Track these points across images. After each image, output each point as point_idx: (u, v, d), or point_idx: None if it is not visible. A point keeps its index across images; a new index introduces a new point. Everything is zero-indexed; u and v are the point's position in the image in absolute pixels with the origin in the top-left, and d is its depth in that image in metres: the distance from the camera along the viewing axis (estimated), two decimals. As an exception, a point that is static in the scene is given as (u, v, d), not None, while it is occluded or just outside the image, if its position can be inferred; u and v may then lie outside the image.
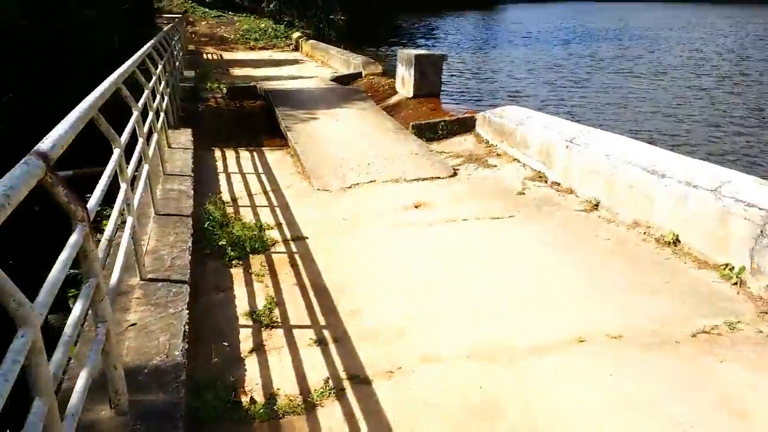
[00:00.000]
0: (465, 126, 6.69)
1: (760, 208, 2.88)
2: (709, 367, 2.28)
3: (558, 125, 5.17)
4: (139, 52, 4.33)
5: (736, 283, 2.90)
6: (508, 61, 17.96)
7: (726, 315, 2.64)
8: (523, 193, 4.67)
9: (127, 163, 2.73)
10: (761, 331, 2.47)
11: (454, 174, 5.23)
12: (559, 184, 4.76)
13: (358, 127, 6.86)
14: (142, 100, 3.86)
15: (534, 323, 2.69)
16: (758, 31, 29.59)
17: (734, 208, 3.03)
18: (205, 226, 3.69)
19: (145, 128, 3.64)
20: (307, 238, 3.80)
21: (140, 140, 3.41)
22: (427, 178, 5.09)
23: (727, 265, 3.02)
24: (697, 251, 3.27)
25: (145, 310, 2.45)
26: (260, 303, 2.93)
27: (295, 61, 14.28)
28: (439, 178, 5.12)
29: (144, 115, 3.98)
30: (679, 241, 3.40)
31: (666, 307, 2.78)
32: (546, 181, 4.90)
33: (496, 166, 5.48)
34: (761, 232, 2.81)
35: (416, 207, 4.44)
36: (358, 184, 4.97)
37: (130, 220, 2.61)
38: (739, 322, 2.56)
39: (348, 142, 6.13)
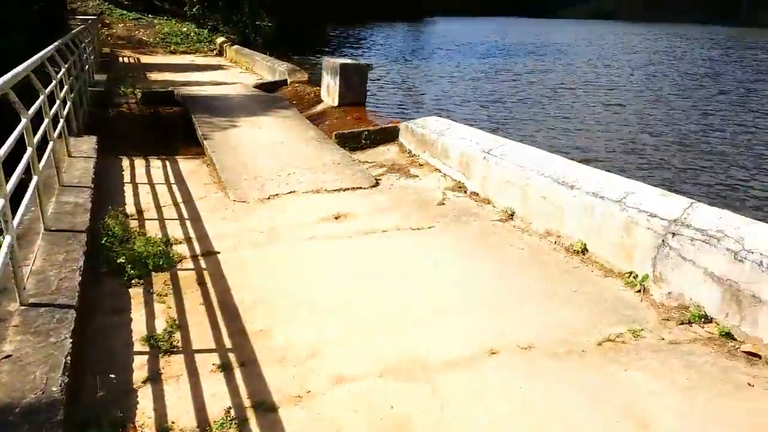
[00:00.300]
0: (389, 136, 6.68)
1: (661, 218, 3.00)
2: (614, 376, 2.33)
3: (476, 136, 5.25)
4: (38, 55, 3.99)
5: (639, 291, 3.00)
6: (433, 73, 18.30)
7: (630, 323, 2.72)
8: (443, 204, 4.69)
9: (10, 174, 2.47)
10: (663, 338, 2.56)
11: (377, 184, 5.18)
12: (477, 195, 4.82)
13: (281, 135, 6.69)
14: (35, 106, 3.55)
15: (449, 336, 2.66)
16: (668, 47, 31.86)
17: (638, 218, 3.14)
18: (103, 242, 3.42)
19: (37, 136, 3.34)
20: (218, 253, 3.61)
21: (29, 150, 3.11)
22: (348, 189, 5.01)
23: (631, 273, 3.13)
24: (603, 260, 3.37)
25: (23, 340, 2.20)
26: (160, 326, 2.72)
27: (218, 67, 13.87)
28: (361, 188, 5.05)
29: (40, 121, 3.67)
30: (587, 250, 3.50)
31: (574, 315, 2.83)
32: (465, 192, 4.94)
33: (417, 176, 5.49)
34: (663, 241, 2.92)
35: (336, 218, 4.35)
36: (277, 194, 4.81)
37: (7, 239, 2.35)
38: (642, 329, 2.64)
39: (269, 152, 5.95)
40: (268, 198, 4.74)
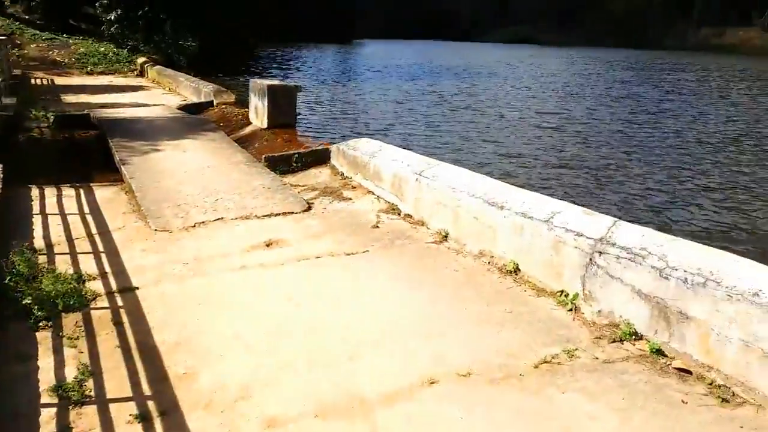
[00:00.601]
0: (320, 158, 6.58)
1: (587, 237, 3.07)
2: (552, 400, 2.31)
3: (408, 158, 5.25)
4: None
5: (571, 310, 3.05)
6: (363, 94, 18.46)
7: (564, 342, 2.74)
8: (378, 227, 4.63)
9: None
10: (597, 358, 2.59)
11: (309, 208, 5.05)
12: (411, 217, 4.80)
13: (207, 159, 6.44)
14: None
15: (387, 367, 2.58)
16: (584, 70, 33.79)
17: (565, 237, 3.20)
18: (7, 281, 3.09)
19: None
20: (137, 288, 3.35)
21: None
22: (280, 214, 4.85)
23: (562, 291, 3.18)
24: (535, 279, 3.41)
25: None
26: (71, 374, 2.47)
27: (139, 88, 13.31)
28: (292, 213, 4.91)
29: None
30: (520, 270, 3.53)
31: (510, 337, 2.82)
32: (399, 214, 4.91)
33: (351, 199, 5.41)
34: (590, 260, 2.98)
35: (268, 245, 4.18)
36: (203, 222, 4.58)
37: None
38: (576, 349, 2.66)
39: (194, 177, 5.70)
40: (194, 226, 4.50)
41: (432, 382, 2.45)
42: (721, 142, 11.65)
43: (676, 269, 2.51)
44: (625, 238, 2.90)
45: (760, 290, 2.14)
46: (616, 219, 3.15)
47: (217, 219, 4.66)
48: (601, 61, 44.32)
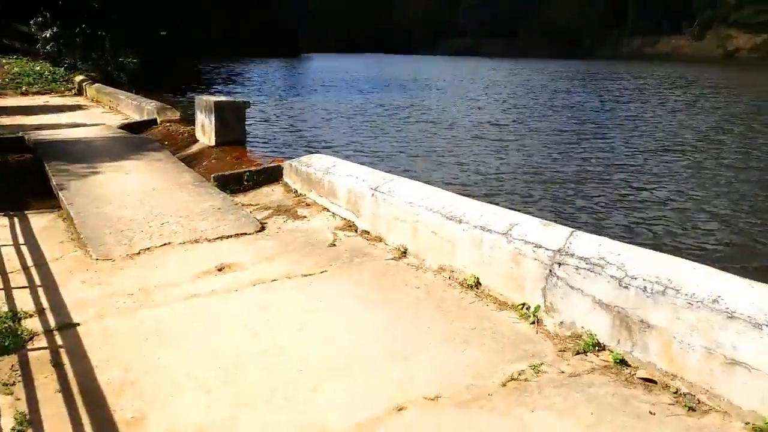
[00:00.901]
0: (272, 175, 6.42)
1: (546, 249, 3.06)
2: (523, 420, 2.26)
3: (363, 173, 5.17)
4: None
5: (534, 323, 3.02)
6: (314, 109, 18.35)
7: (530, 357, 2.71)
8: (335, 245, 4.52)
9: None
10: (563, 372, 2.56)
11: (262, 228, 4.89)
12: (368, 233, 4.71)
13: (151, 181, 6.17)
14: None
15: (352, 396, 2.47)
16: (528, 80, 34.78)
17: (524, 249, 3.19)
18: (-72, 325, 2.81)
19: None
20: (79, 325, 3.12)
21: None
22: (232, 236, 4.67)
23: (524, 304, 3.16)
24: (497, 293, 3.39)
25: None
26: (7, 425, 2.24)
27: (77, 107, 12.75)
28: (245, 234, 4.73)
29: None
30: (481, 284, 3.50)
31: (476, 356, 2.77)
32: (356, 231, 4.82)
33: (306, 217, 5.28)
34: (550, 271, 2.97)
35: (220, 270, 4.00)
36: (149, 248, 4.35)
37: None
38: (542, 363, 2.63)
39: (138, 200, 5.43)
40: (138, 253, 4.27)
41: (400, 409, 2.35)
42: (667, 149, 12.11)
43: (635, 278, 2.53)
44: (584, 248, 2.91)
45: (719, 297, 2.17)
46: (573, 229, 3.17)
47: (164, 244, 4.43)
48: (543, 71, 45.82)
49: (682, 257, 2.69)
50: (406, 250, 4.21)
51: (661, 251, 2.90)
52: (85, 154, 7.26)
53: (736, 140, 13.23)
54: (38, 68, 17.62)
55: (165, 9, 19.27)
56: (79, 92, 15.25)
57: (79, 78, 16.07)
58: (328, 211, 5.30)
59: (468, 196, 4.36)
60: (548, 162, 10.52)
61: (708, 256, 5.96)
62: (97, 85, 14.54)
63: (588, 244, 2.94)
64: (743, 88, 29.17)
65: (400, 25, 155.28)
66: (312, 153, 6.68)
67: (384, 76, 38.98)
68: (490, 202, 4.09)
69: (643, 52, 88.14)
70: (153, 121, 9.72)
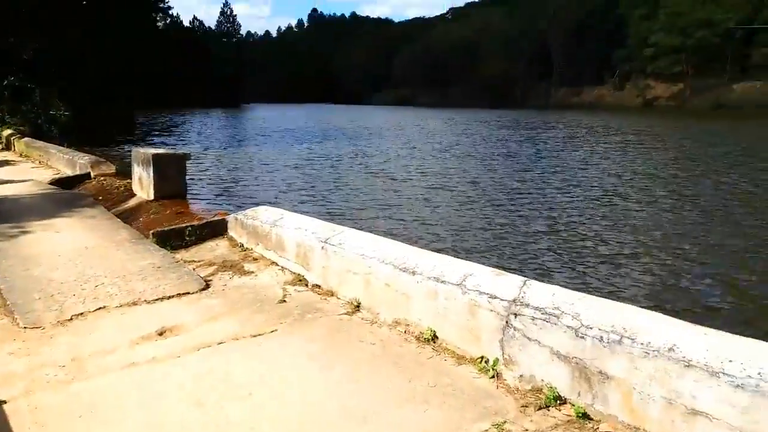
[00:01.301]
0: (216, 229, 6.22)
1: (501, 299, 3.06)
2: (490, 482, 2.18)
3: (312, 225, 5.08)
4: None
5: (493, 377, 2.98)
6: (257, 160, 18.21)
7: (492, 415, 2.65)
8: (285, 301, 4.36)
9: None
10: (526, 429, 2.51)
11: (207, 286, 4.67)
12: (320, 287, 4.59)
13: (84, 239, 5.83)
14: None
15: (309, 468, 2.30)
16: (467, 129, 36.04)
17: (479, 300, 3.17)
18: None
19: None
20: (5, 402, 2.82)
21: None
22: (173, 296, 4.43)
23: (482, 358, 3.11)
24: (454, 346, 3.33)
25: None
26: None
27: (4, 163, 12.09)
28: (188, 293, 4.50)
29: None
30: (437, 337, 3.44)
31: (437, 416, 2.68)
32: (307, 285, 4.69)
33: (253, 272, 5.10)
34: (507, 322, 2.96)
35: (161, 335, 3.75)
36: (82, 314, 4.04)
37: None
38: (505, 422, 2.57)
39: (69, 261, 5.09)
40: (70, 319, 3.96)
41: (361, 480, 2.22)
42: (604, 196, 12.56)
43: (591, 327, 2.54)
44: (538, 297, 2.92)
45: (675, 345, 2.20)
46: (525, 278, 3.19)
47: (99, 308, 4.14)
48: (480, 121, 47.74)
49: (632, 304, 2.75)
50: (359, 304, 4.12)
51: (611, 299, 2.95)
52: (12, 213, 6.80)
53: (670, 184, 13.99)
54: (-39, 123, 16.71)
55: (99, 60, 18.83)
56: (7, 147, 14.51)
57: (6, 132, 15.31)
58: (277, 265, 5.15)
59: (418, 246, 4.34)
60: (494, 210, 10.75)
61: (658, 302, 6.13)
62: (26, 139, 13.88)
63: (542, 293, 2.95)
64: (667, 134, 31.36)
65: (340, 76, 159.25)
66: (257, 206, 6.54)
67: (325, 126, 39.43)
68: (440, 252, 4.08)
69: (569, 101, 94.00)
70: (86, 176, 9.30)
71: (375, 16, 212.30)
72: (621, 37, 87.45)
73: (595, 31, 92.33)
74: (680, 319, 2.47)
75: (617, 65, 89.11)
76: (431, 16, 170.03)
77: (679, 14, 76.61)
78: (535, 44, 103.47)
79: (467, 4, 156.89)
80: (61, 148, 11.82)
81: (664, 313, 2.54)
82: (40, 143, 12.88)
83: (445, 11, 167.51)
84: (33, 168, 11.28)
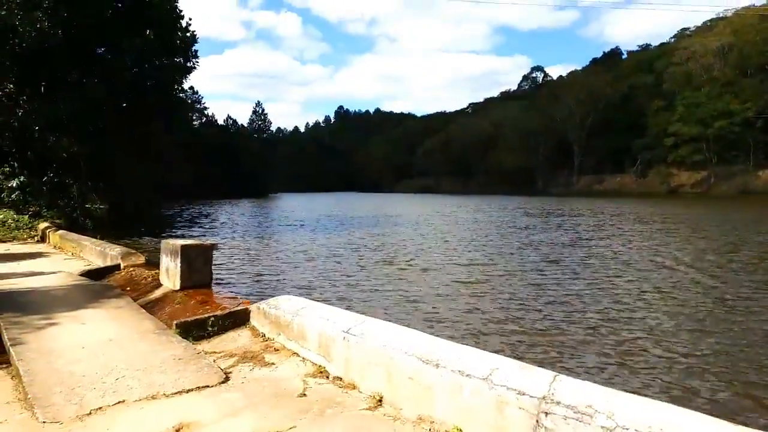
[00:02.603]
0: (239, 319, 6.20)
1: (530, 396, 2.93)
2: None
3: (334, 314, 5.04)
4: None
5: (525, 480, 2.78)
6: (283, 249, 18.40)
7: None
8: (305, 395, 4.24)
9: None
10: None
11: (226, 379, 4.59)
12: (341, 379, 4.47)
13: (109, 331, 5.85)
14: None
15: None
16: (492, 217, 36.13)
17: (507, 396, 3.04)
18: None
19: None
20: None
21: None
22: (193, 389, 4.35)
23: (513, 459, 2.93)
24: (483, 445, 3.15)
25: None
26: None
27: (38, 254, 12.45)
28: (207, 386, 4.42)
29: None
30: (465, 436, 3.27)
31: None
32: (328, 377, 4.57)
33: (274, 363, 5.01)
34: (537, 421, 2.81)
35: (177, 431, 3.65)
36: (100, 408, 3.98)
37: None
38: None
39: (93, 352, 5.10)
40: (89, 414, 3.89)
41: None
42: (640, 286, 12.03)
43: (627, 428, 2.40)
44: (569, 395, 2.79)
45: (718, 447, 2.05)
46: (555, 373, 3.06)
47: (118, 402, 4.08)
48: (505, 207, 47.94)
49: (668, 401, 2.59)
50: (381, 398, 3.98)
51: (644, 396, 2.80)
52: (41, 304, 6.93)
53: (710, 274, 13.49)
54: (1, 216, 17.49)
55: (134, 156, 19.91)
56: (43, 239, 15.04)
57: (43, 225, 15.94)
58: (298, 356, 5.07)
59: (446, 337, 4.24)
60: (522, 302, 10.47)
61: (696, 402, 5.75)
62: (61, 231, 14.39)
63: (573, 389, 2.82)
64: (697, 221, 30.88)
65: (364, 166, 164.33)
66: (281, 295, 6.54)
67: (350, 214, 40.06)
68: (466, 344, 3.96)
69: (592, 188, 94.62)
70: (116, 267, 9.51)
71: (398, 111, 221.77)
72: (640, 127, 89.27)
73: (613, 123, 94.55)
74: (719, 418, 2.31)
75: (638, 154, 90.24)
76: (451, 110, 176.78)
77: (697, 105, 78.36)
78: (554, 135, 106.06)
79: (486, 99, 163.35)
80: (94, 240, 12.20)
81: (701, 411, 2.38)
82: (74, 235, 13.32)
83: (465, 106, 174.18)
84: (65, 260, 11.59)
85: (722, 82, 78.79)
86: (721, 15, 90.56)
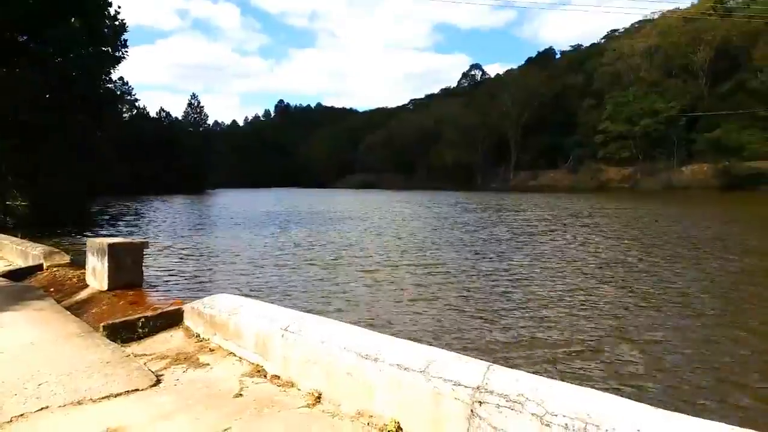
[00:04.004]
0: (172, 320, 5.98)
1: (465, 386, 2.98)
2: None
3: (272, 312, 4.95)
4: None
5: (460, 471, 2.83)
6: (218, 246, 17.92)
7: None
8: (241, 395, 4.14)
9: None
10: None
11: (158, 382, 4.41)
12: (279, 378, 4.40)
13: (31, 334, 5.50)
14: None
15: None
16: (445, 213, 36.60)
17: (443, 388, 3.08)
18: None
19: None
20: None
21: None
22: (121, 393, 4.15)
23: (449, 450, 2.97)
24: (420, 438, 3.18)
25: None
26: None
27: (-50, 254, 11.53)
28: (137, 390, 4.23)
29: None
30: (402, 429, 3.29)
31: None
32: (266, 376, 4.49)
33: (209, 364, 4.87)
34: (472, 411, 2.87)
35: (106, 437, 3.48)
36: (22, 415, 3.74)
37: None
38: None
39: (11, 358, 4.78)
40: (10, 421, 3.65)
41: None
42: (578, 275, 12.57)
43: (556, 415, 2.48)
44: (502, 384, 2.86)
45: (639, 431, 2.16)
46: (489, 363, 3.13)
47: (41, 408, 3.84)
48: (448, 204, 48.69)
49: (596, 389, 2.71)
50: (320, 395, 3.94)
51: (574, 383, 2.91)
52: (-49, 308, 6.42)
53: (645, 265, 14.20)
54: None
55: (60, 150, 18.79)
56: (-45, 237, 13.93)
57: (-44, 222, 14.82)
58: (235, 355, 4.94)
59: (384, 332, 4.25)
60: (462, 293, 10.69)
61: (624, 386, 6.03)
62: (-24, 229, 13.43)
63: (505, 379, 2.89)
64: (623, 213, 32.58)
65: (305, 161, 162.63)
66: (217, 294, 6.36)
67: (290, 210, 39.56)
68: (404, 337, 3.99)
69: (527, 184, 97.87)
70: (39, 267, 8.96)
71: (340, 106, 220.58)
72: (572, 124, 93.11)
73: (548, 120, 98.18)
74: (645, 403, 2.43)
75: (570, 150, 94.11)
76: (393, 106, 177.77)
77: (625, 104, 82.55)
78: (492, 132, 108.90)
79: (427, 96, 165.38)
80: (15, 239, 11.44)
81: (629, 397, 2.50)
82: (-7, 234, 12.47)
83: (406, 102, 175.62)
84: (-18, 259, 10.82)
85: (648, 81, 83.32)
86: (648, 17, 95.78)
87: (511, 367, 3.16)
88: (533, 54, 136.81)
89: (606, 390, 2.66)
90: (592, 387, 2.73)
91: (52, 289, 7.80)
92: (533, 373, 3.01)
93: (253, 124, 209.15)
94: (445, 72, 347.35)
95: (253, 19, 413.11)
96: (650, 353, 7.22)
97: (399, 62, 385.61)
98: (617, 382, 6.23)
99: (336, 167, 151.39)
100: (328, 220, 29.81)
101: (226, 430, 3.54)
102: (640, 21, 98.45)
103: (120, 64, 22.74)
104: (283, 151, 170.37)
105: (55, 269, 8.76)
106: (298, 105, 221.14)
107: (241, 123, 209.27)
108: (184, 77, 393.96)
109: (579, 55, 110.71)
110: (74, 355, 4.88)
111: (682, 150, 79.03)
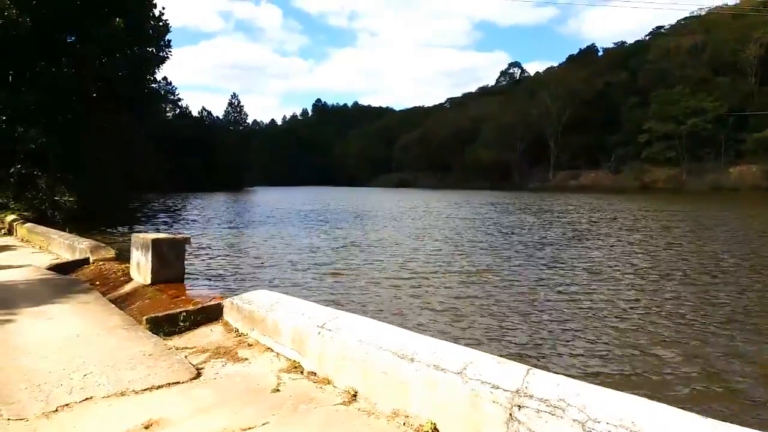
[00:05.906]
0: (212, 314, 6.09)
1: (504, 390, 2.92)
2: None
3: (309, 309, 4.99)
4: None
5: (499, 475, 2.78)
6: (260, 242, 18.19)
7: None
8: (278, 390, 4.18)
9: None
10: None
11: (198, 375, 4.50)
12: (315, 374, 4.42)
13: (75, 327, 5.70)
14: None
15: None
16: (482, 213, 36.29)
17: (481, 390, 3.03)
18: None
19: None
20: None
21: None
22: (163, 386, 4.25)
23: (486, 453, 2.92)
24: (457, 440, 3.14)
25: None
26: None
27: (5, 248, 12.09)
28: (178, 383, 4.32)
29: None
30: (438, 431, 3.26)
31: None
32: (302, 372, 4.52)
33: (247, 359, 4.94)
34: (510, 415, 2.81)
35: (147, 428, 3.56)
36: (68, 404, 3.87)
37: None
38: None
39: (58, 349, 4.95)
40: (56, 410, 3.78)
41: None
42: (620, 279, 12.16)
43: (599, 421, 2.40)
44: (542, 388, 2.79)
45: (687, 440, 2.07)
46: (529, 367, 3.07)
47: (85, 399, 3.97)
48: (485, 203, 48.13)
49: (640, 395, 2.61)
50: (356, 393, 3.94)
51: (618, 389, 2.82)
52: (6, 299, 6.71)
53: (694, 266, 13.67)
54: (-34, 209, 16.97)
55: (105, 149, 19.45)
56: (10, 232, 14.61)
57: (10, 218, 15.47)
58: (272, 351, 5.00)
59: (420, 332, 4.22)
60: (499, 295, 10.49)
61: (669, 394, 5.81)
62: (28, 224, 14.00)
63: (546, 383, 2.82)
64: (679, 216, 31.47)
65: (341, 160, 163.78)
66: (255, 289, 6.46)
67: (330, 208, 39.86)
68: (443, 338, 3.96)
69: (567, 184, 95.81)
70: (85, 261, 9.27)
71: (376, 105, 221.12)
72: (615, 123, 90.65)
73: (589, 119, 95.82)
74: (689, 411, 2.33)
75: (612, 150, 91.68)
76: (430, 105, 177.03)
77: (671, 102, 79.90)
78: (530, 130, 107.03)
79: (464, 94, 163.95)
80: (63, 233, 11.88)
81: (672, 405, 2.40)
82: (42, 228, 12.95)
83: (443, 101, 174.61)
84: (33, 253, 11.26)
85: (695, 80, 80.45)
86: (695, 14, 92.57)
87: (550, 372, 3.09)
88: (575, 51, 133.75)
89: (652, 398, 2.56)
90: (639, 395, 2.63)
91: (97, 283, 8.07)
92: (575, 377, 2.93)
93: (290, 122, 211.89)
94: (483, 70, 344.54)
95: (294, 20, 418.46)
96: (696, 361, 6.96)
97: (437, 60, 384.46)
98: (664, 389, 6.02)
99: (371, 166, 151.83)
100: (369, 218, 29.87)
101: (263, 424, 3.57)
102: (686, 17, 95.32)
103: (164, 64, 23.40)
104: (318, 149, 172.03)
105: (100, 263, 9.05)
106: (335, 104, 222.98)
107: (279, 122, 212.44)
108: (225, 77, 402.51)
109: (622, 52, 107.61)
110: (118, 347, 5.03)
111: (730, 150, 76.05)
